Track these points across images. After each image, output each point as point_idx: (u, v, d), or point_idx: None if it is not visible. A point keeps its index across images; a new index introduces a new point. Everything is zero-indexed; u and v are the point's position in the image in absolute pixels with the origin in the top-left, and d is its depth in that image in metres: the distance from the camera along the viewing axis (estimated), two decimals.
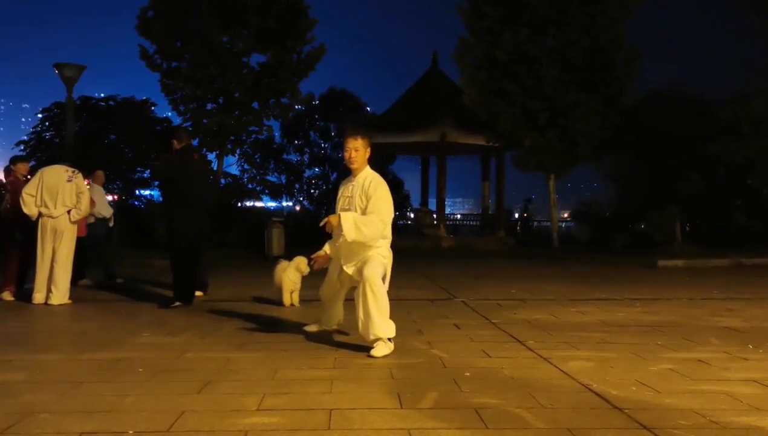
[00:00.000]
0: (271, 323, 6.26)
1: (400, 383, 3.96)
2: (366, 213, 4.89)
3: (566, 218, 32.62)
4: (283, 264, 7.38)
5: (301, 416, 3.28)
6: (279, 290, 7.35)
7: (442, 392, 3.73)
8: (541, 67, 17.39)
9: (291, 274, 7.24)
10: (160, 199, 7.87)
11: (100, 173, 10.63)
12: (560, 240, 19.56)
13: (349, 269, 5.00)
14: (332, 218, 4.83)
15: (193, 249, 7.40)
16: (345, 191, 5.18)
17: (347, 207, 5.05)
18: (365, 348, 4.79)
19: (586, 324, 6.14)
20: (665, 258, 13.60)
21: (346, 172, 5.42)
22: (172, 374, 4.17)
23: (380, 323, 4.69)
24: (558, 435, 2.98)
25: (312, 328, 5.66)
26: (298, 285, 7.30)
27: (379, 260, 4.87)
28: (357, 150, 5.04)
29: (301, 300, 7.36)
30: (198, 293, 7.74)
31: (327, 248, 5.16)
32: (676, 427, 3.08)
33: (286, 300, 7.29)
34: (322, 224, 4.92)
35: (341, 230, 4.76)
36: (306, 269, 7.06)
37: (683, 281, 10.51)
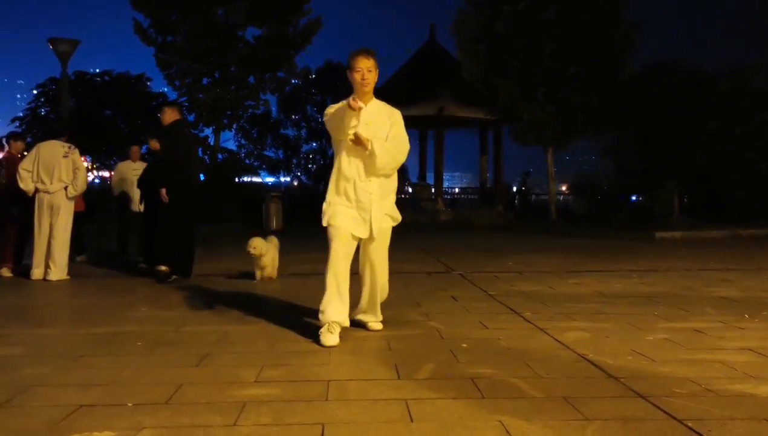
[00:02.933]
0: (268, 297, 6.28)
1: (397, 354, 3.98)
2: (389, 139, 4.44)
3: (565, 191, 32.60)
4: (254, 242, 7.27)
5: (299, 387, 3.30)
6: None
7: (438, 362, 3.75)
8: (540, 40, 17.26)
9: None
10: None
11: (135, 149, 10.17)
12: (558, 213, 19.59)
13: (384, 223, 4.49)
14: (363, 138, 4.29)
15: (189, 224, 7.40)
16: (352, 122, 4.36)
17: (361, 148, 4.39)
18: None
19: (583, 295, 6.16)
20: (663, 230, 13.63)
21: None
22: (170, 347, 4.19)
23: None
24: (554, 404, 3.00)
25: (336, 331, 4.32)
26: (260, 260, 7.23)
27: (389, 238, 4.62)
28: (370, 70, 4.42)
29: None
30: (164, 268, 7.38)
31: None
32: (671, 395, 3.10)
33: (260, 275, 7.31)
34: (351, 138, 4.32)
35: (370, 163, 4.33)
36: (257, 251, 7.07)
37: (680, 252, 10.53)
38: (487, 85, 18.08)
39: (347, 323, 4.42)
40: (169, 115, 7.60)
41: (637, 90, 18.32)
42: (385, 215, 4.54)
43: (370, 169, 4.40)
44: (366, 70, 4.42)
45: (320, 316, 4.34)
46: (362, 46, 4.62)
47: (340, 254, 4.36)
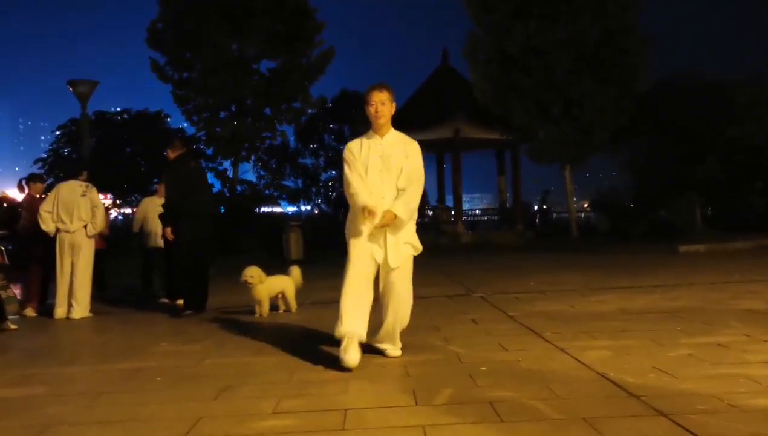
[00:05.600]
0: (289, 327, 6.28)
1: (415, 380, 3.96)
2: (402, 176, 4.47)
3: (586, 208, 32.38)
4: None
5: (317, 417, 3.29)
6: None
7: (457, 387, 3.72)
8: (553, 59, 17.28)
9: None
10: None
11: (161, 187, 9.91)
12: (579, 230, 19.46)
13: (403, 250, 4.49)
14: (387, 216, 4.33)
15: (201, 258, 7.47)
16: (369, 157, 4.51)
17: (378, 181, 4.46)
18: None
19: (605, 313, 6.09)
20: (686, 243, 13.46)
21: None
22: (191, 381, 4.20)
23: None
24: (574, 425, 2.96)
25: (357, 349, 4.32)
26: (253, 291, 6.90)
27: (411, 267, 4.60)
28: (383, 103, 4.50)
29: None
30: (180, 302, 7.67)
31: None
32: (694, 412, 3.05)
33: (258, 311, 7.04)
34: (378, 225, 4.35)
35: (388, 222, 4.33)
36: (247, 280, 6.75)
37: (704, 265, 10.39)
38: (501, 105, 18.11)
39: (364, 337, 4.35)
40: (172, 152, 7.73)
41: (654, 102, 18.26)
42: (405, 244, 4.52)
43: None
44: (379, 104, 4.51)
45: (335, 329, 4.31)
46: (378, 81, 4.65)
47: (358, 268, 4.37)
